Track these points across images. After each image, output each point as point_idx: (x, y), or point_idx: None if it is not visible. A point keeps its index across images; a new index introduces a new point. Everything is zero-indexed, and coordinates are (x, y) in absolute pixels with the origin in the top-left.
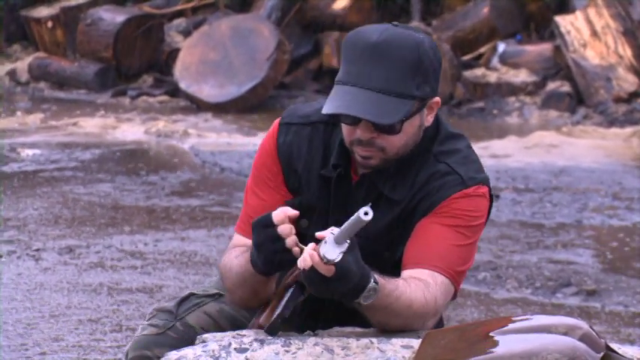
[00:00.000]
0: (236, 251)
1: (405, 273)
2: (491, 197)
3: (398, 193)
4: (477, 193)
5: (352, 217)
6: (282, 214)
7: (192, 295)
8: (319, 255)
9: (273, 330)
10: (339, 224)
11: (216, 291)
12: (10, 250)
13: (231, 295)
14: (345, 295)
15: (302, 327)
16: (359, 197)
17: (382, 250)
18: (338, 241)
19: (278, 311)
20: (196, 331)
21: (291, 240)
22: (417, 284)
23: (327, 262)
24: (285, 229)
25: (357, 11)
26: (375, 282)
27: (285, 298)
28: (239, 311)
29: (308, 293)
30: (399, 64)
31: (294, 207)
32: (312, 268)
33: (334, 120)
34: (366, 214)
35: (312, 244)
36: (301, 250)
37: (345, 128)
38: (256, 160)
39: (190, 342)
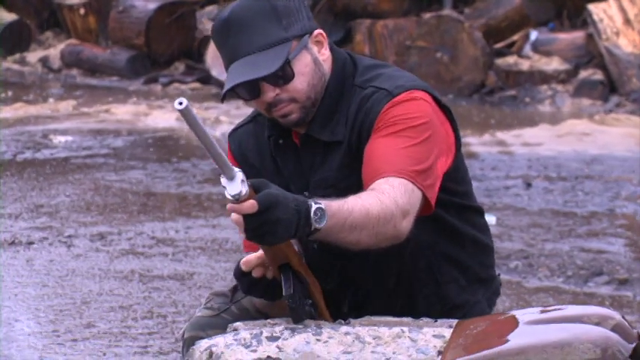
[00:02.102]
0: None
1: None
2: (437, 99)
3: (337, 134)
4: (408, 97)
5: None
6: (253, 259)
7: None
8: (230, 200)
9: (295, 317)
10: (302, 191)
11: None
12: (42, 237)
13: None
14: (297, 225)
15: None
16: (307, 156)
17: (352, 194)
18: (229, 177)
19: (284, 294)
20: (251, 313)
21: (269, 274)
22: (369, 193)
23: (239, 198)
24: (258, 272)
25: None
26: (318, 203)
27: (282, 283)
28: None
29: (296, 265)
30: (255, 21)
31: None
32: (244, 218)
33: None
34: (180, 103)
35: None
36: (280, 271)
37: (255, 104)
38: None
39: None
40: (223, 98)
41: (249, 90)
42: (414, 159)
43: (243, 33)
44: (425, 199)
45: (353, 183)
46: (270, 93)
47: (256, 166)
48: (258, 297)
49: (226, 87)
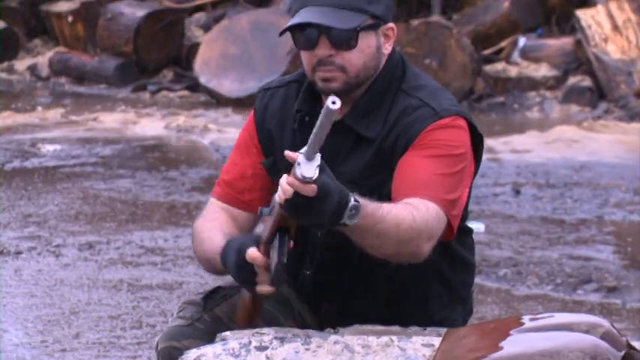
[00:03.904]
0: (210, 221)
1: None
2: (474, 129)
3: (372, 131)
4: (452, 124)
5: (320, 117)
6: (255, 254)
7: (219, 288)
8: (298, 178)
9: (277, 281)
10: None
11: None
12: (30, 246)
13: (198, 261)
14: (331, 216)
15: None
16: (335, 143)
17: (371, 195)
18: (309, 157)
19: (275, 261)
20: (224, 322)
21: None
22: (405, 206)
23: (308, 180)
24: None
25: None
26: (356, 200)
27: (276, 248)
28: (266, 301)
29: (293, 234)
30: None
31: (269, 166)
32: (296, 194)
33: (297, 45)
34: (333, 102)
35: (284, 177)
36: (278, 234)
37: (305, 57)
38: (243, 126)
39: (217, 333)
40: (282, 33)
41: (308, 37)
42: (448, 187)
43: None
44: (449, 227)
45: (375, 184)
46: (326, 50)
47: (273, 134)
48: (241, 277)
49: (294, 21)
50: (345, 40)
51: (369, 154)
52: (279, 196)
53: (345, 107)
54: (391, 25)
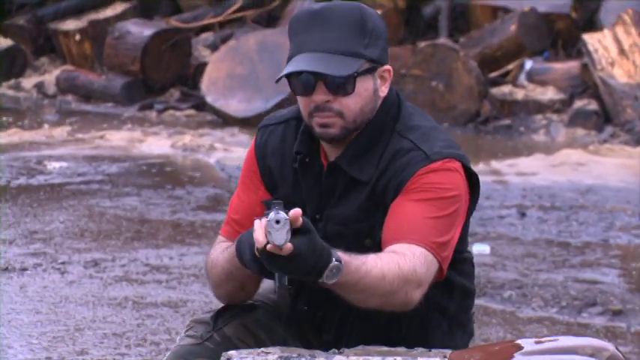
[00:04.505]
0: (221, 247)
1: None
2: (469, 170)
3: (365, 174)
4: (444, 167)
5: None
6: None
7: (227, 307)
8: (270, 243)
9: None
10: (315, 213)
11: (250, 302)
12: (35, 263)
13: (216, 291)
14: (307, 275)
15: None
16: (330, 184)
17: (362, 238)
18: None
19: (276, 287)
20: (233, 341)
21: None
22: (391, 256)
23: (280, 246)
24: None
25: None
26: (338, 260)
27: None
28: (274, 321)
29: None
30: (343, 26)
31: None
32: (266, 251)
33: (293, 89)
34: (277, 222)
35: (260, 222)
36: None
37: (301, 102)
38: (243, 163)
39: None
40: (279, 80)
41: (305, 83)
42: (438, 230)
43: (326, 31)
44: (439, 269)
45: (366, 226)
46: (323, 96)
47: (274, 171)
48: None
49: (290, 69)
50: (343, 86)
51: (362, 196)
52: (256, 244)
53: (338, 149)
54: (387, 67)
